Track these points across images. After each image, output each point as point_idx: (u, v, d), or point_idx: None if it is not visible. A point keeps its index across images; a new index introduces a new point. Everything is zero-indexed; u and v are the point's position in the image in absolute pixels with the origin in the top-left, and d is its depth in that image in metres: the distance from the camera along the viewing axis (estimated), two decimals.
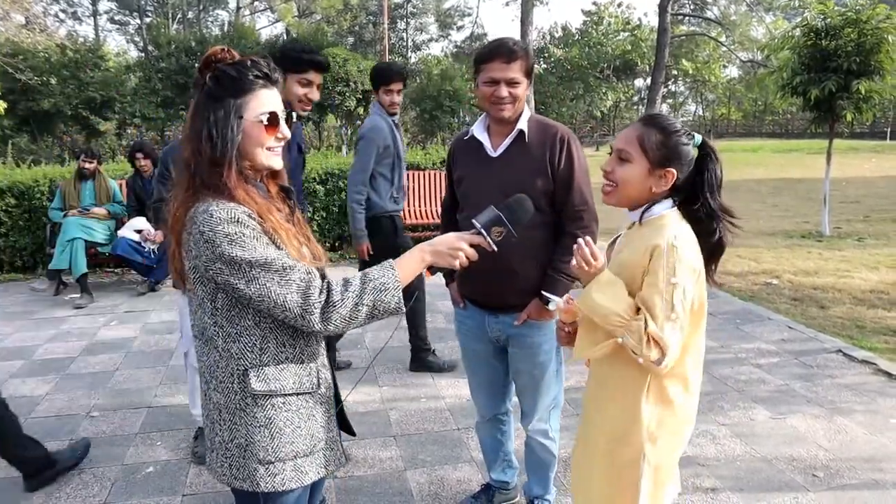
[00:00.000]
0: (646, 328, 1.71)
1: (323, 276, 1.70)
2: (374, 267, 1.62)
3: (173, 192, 1.63)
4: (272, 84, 1.63)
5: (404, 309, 1.61)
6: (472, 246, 1.71)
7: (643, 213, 1.86)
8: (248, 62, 1.60)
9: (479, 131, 2.55)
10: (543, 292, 2.46)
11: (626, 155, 1.83)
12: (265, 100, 1.61)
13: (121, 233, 6.91)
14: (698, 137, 1.84)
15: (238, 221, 1.51)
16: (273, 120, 1.61)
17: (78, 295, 6.67)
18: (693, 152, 1.82)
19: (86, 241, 6.76)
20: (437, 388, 4.35)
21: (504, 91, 2.37)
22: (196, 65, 1.62)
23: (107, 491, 3.22)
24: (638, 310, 1.76)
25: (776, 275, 7.09)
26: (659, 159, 1.80)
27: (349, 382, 4.43)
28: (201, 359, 1.66)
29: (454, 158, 2.71)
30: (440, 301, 6.09)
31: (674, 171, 1.80)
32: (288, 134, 1.66)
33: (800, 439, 3.56)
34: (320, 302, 1.53)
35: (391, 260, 1.64)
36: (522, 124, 2.46)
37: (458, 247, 1.68)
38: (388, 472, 3.34)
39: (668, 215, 1.83)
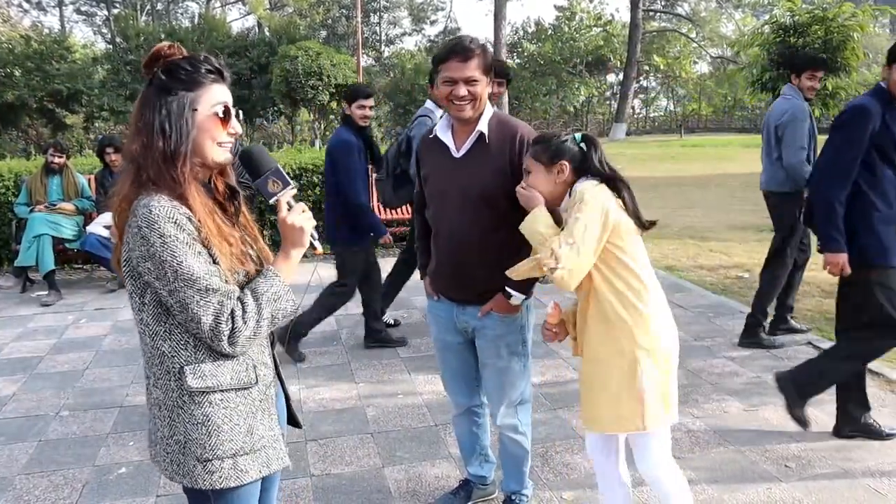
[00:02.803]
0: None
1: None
2: (259, 279, 1.63)
3: (117, 187, 1.62)
4: (223, 80, 1.64)
5: (298, 311, 1.63)
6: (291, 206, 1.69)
7: (567, 199, 2.27)
8: (201, 57, 1.61)
9: (442, 131, 2.56)
10: (507, 287, 2.48)
11: (526, 168, 2.33)
12: (218, 94, 1.61)
13: (90, 228, 6.77)
14: (578, 135, 2.32)
15: (176, 222, 1.50)
16: (227, 113, 1.62)
17: (45, 292, 6.52)
18: (575, 147, 2.28)
19: (53, 237, 6.62)
20: (414, 384, 4.34)
21: (462, 90, 2.37)
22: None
23: (78, 493, 3.16)
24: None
25: (747, 268, 7.20)
26: (549, 158, 2.27)
27: (325, 380, 4.41)
28: (143, 353, 1.66)
29: (420, 157, 2.72)
30: (415, 297, 6.08)
31: (565, 162, 2.26)
32: (240, 129, 1.68)
33: (772, 431, 3.62)
34: (228, 329, 1.56)
35: (270, 267, 1.67)
36: (483, 126, 2.47)
37: (288, 221, 1.66)
38: (366, 470, 3.32)
39: (583, 184, 2.24)
